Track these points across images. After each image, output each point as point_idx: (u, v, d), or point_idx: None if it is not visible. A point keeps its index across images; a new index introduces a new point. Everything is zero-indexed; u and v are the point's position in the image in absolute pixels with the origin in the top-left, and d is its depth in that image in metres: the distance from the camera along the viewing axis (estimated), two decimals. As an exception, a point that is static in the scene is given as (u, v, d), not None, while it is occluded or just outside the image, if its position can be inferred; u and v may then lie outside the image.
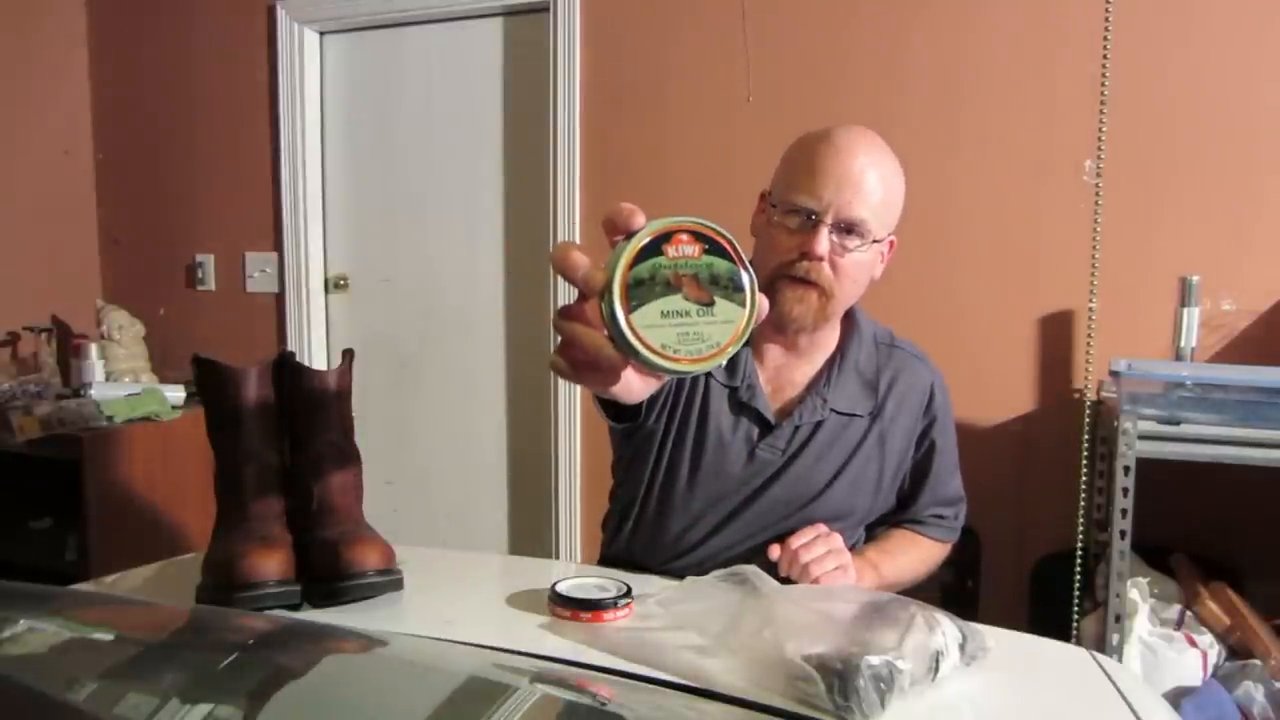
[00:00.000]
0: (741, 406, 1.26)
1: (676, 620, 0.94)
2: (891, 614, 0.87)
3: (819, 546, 1.15)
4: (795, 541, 1.15)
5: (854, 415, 1.27)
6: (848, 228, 1.16)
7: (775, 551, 1.15)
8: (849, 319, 1.32)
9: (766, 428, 1.26)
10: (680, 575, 1.28)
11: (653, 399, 1.26)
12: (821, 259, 1.17)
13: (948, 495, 1.38)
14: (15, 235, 2.98)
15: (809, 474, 1.26)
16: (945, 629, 0.86)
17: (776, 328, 1.24)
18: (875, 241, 1.19)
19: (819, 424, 1.26)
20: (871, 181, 1.16)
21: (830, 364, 1.29)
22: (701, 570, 1.24)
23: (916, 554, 1.35)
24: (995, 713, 0.86)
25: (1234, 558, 1.97)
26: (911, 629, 0.84)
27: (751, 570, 0.98)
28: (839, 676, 0.76)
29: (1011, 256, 2.19)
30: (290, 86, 2.93)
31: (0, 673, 0.63)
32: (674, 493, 1.29)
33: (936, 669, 0.83)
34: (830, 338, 1.30)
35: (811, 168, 1.16)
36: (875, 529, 1.39)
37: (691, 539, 1.30)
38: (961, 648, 0.86)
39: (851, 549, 1.28)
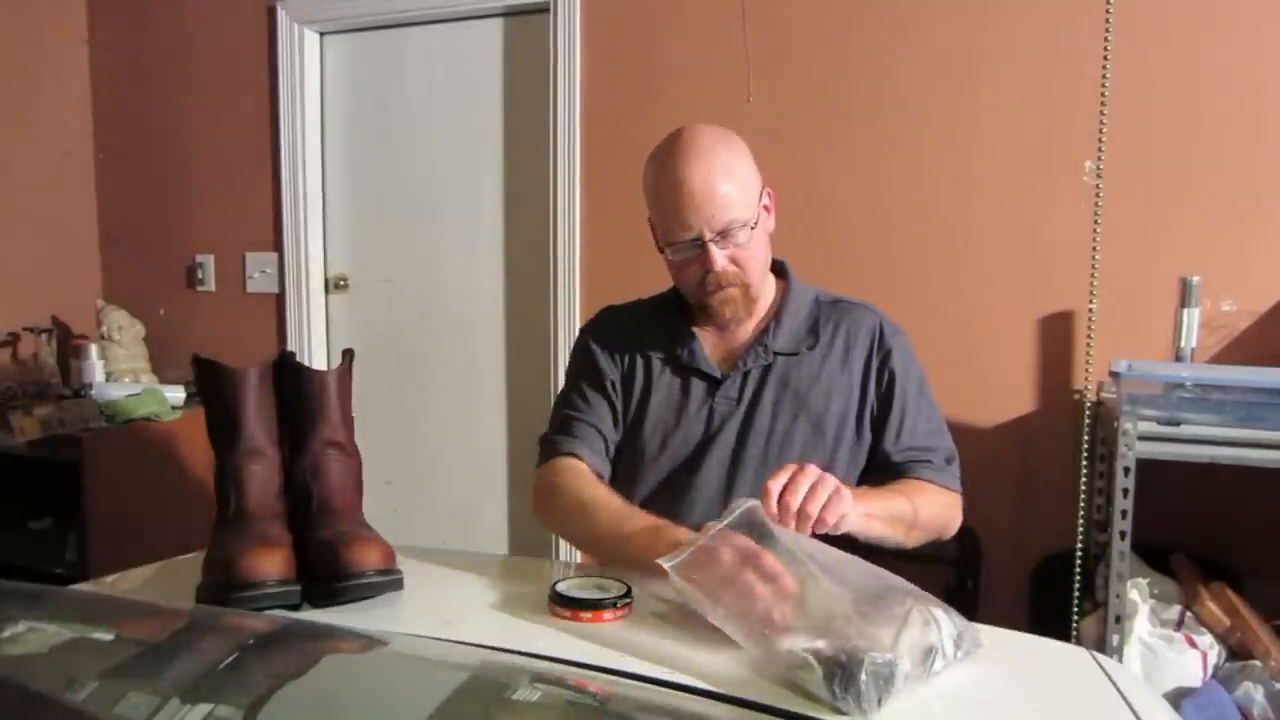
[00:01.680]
0: (685, 369, 1.38)
1: (689, 596, 0.91)
2: (889, 609, 0.86)
3: (801, 484, 1.07)
4: (774, 489, 1.07)
5: (797, 353, 1.36)
6: (724, 232, 1.29)
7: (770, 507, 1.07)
8: (784, 283, 1.43)
9: (715, 382, 1.37)
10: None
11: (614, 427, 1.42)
12: (723, 267, 1.31)
13: (931, 443, 1.36)
14: (15, 235, 2.98)
15: (771, 418, 1.34)
16: (941, 624, 0.86)
17: (723, 326, 1.38)
18: (752, 226, 1.31)
19: (767, 368, 1.36)
20: (719, 185, 1.28)
21: (769, 319, 1.40)
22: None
23: (915, 491, 1.30)
24: (995, 712, 0.86)
25: (1234, 558, 1.97)
26: (907, 625, 0.84)
27: (757, 507, 0.97)
28: (841, 668, 0.76)
29: (1011, 256, 2.19)
30: (290, 86, 2.93)
31: (0, 673, 0.63)
32: (642, 467, 1.37)
33: (931, 665, 0.83)
34: (765, 299, 1.42)
35: (671, 207, 1.30)
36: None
37: (677, 512, 1.31)
38: (956, 643, 0.86)
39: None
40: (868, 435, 1.37)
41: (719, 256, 1.30)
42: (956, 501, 1.37)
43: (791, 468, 1.09)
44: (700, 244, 1.29)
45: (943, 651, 0.84)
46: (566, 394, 1.46)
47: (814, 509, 1.06)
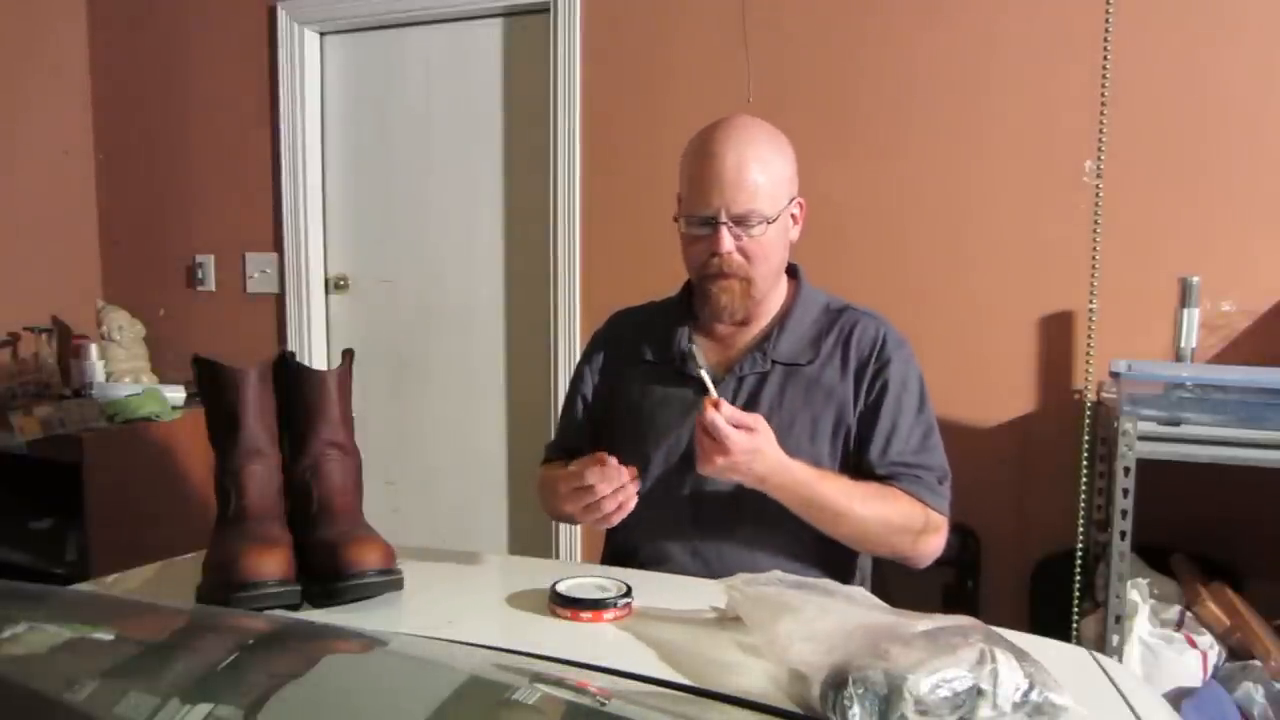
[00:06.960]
0: (680, 374, 1.36)
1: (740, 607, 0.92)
2: (943, 639, 0.77)
3: (733, 434, 1.15)
4: (725, 413, 1.16)
5: (798, 364, 1.34)
6: (742, 219, 1.29)
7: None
8: (795, 287, 1.42)
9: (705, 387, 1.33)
10: (667, 554, 1.31)
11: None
12: (730, 253, 1.30)
13: (922, 460, 1.31)
14: (15, 235, 2.98)
15: None
16: (1001, 667, 0.73)
17: (716, 318, 1.37)
18: (771, 221, 1.30)
19: (764, 376, 1.34)
20: (750, 174, 1.28)
21: (773, 325, 1.39)
22: (685, 546, 1.30)
23: (872, 494, 1.27)
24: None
25: (1234, 558, 1.97)
26: (954, 654, 0.74)
27: (861, 593, 0.94)
28: (834, 688, 0.73)
29: (1011, 256, 2.19)
30: (290, 86, 2.92)
31: (0, 673, 0.63)
32: (640, 470, 1.31)
33: (973, 708, 0.72)
34: (773, 303, 1.40)
35: (698, 180, 1.30)
36: None
37: (669, 511, 1.32)
38: (1024, 695, 0.73)
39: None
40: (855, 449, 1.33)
41: (728, 240, 1.29)
42: (935, 523, 1.30)
43: (752, 417, 1.18)
44: (714, 224, 1.29)
45: (993, 700, 0.72)
46: (564, 407, 1.54)
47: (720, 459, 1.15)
